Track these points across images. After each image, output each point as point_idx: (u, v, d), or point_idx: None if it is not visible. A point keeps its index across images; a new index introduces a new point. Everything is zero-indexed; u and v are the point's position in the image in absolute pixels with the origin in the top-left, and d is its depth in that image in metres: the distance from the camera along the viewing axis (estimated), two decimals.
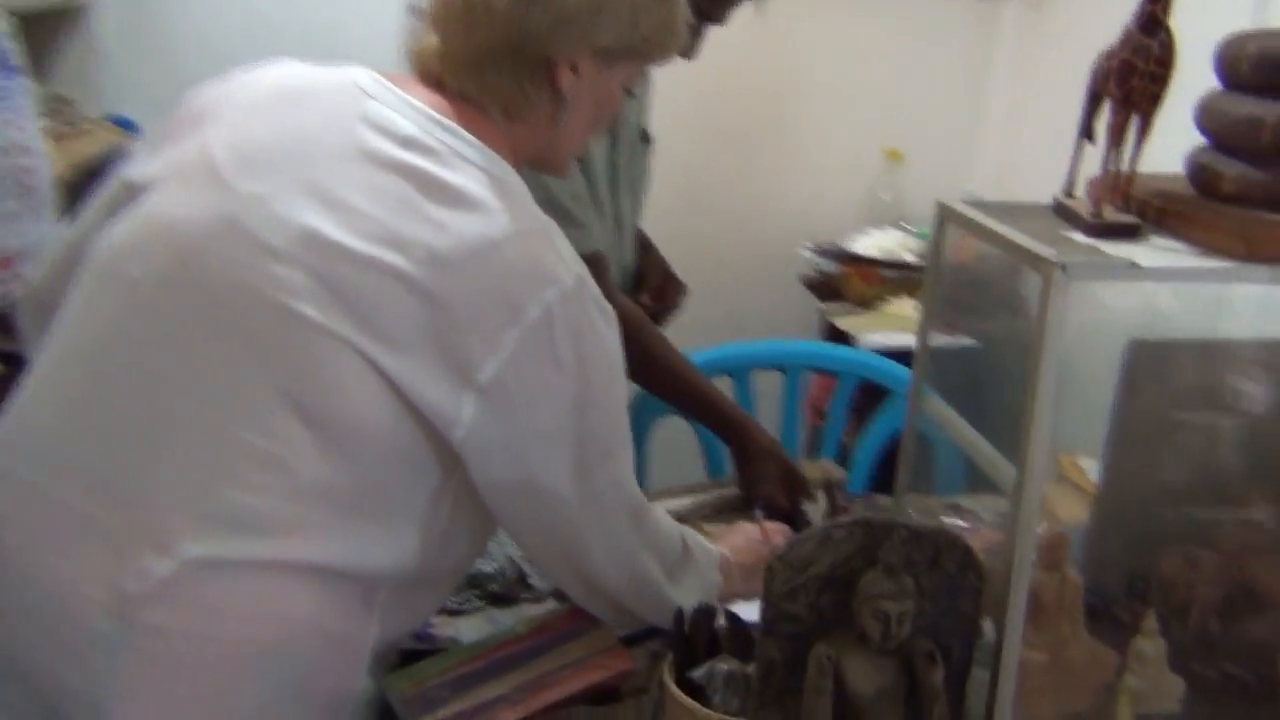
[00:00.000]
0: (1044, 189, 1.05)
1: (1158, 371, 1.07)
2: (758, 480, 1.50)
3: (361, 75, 0.99)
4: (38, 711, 0.90)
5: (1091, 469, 1.21)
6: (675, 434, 1.83)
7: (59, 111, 2.11)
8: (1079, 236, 0.94)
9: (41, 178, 1.58)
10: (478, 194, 0.92)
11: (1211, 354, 1.09)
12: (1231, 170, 0.92)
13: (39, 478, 0.92)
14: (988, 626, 0.92)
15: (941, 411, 1.12)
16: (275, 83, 1.01)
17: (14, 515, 0.93)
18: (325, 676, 0.94)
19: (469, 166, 0.94)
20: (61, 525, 0.90)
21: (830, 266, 2.50)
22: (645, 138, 1.74)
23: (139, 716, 0.87)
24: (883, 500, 1.57)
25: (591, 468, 1.00)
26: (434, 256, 0.89)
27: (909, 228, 2.61)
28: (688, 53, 1.44)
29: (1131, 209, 0.98)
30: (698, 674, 1.00)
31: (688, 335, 1.75)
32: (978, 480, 1.11)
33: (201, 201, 0.93)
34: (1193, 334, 1.09)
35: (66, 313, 0.98)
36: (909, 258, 2.48)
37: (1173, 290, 1.05)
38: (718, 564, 1.21)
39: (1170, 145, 0.97)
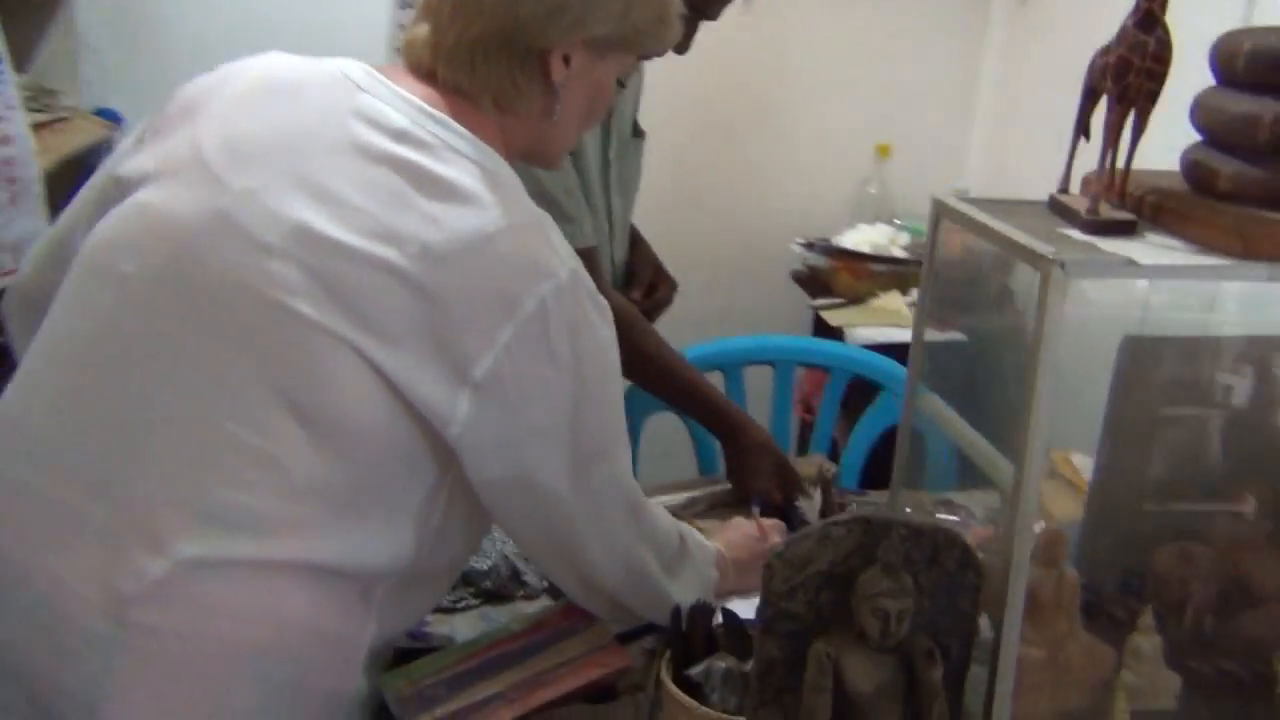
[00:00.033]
0: (1034, 184, 1.05)
1: (1151, 367, 1.07)
2: (752, 475, 1.49)
3: (352, 67, 0.98)
4: (32, 712, 0.90)
5: (1084, 465, 1.21)
6: (666, 430, 1.82)
7: (42, 102, 2.09)
8: (1075, 233, 0.94)
9: (28, 170, 1.57)
10: (470, 187, 0.91)
11: (1205, 350, 1.10)
12: (1227, 167, 0.92)
13: (31, 476, 0.91)
14: (984, 624, 0.92)
15: (936, 408, 1.12)
16: (266, 76, 1.00)
17: (6, 514, 0.92)
18: (321, 676, 0.93)
19: (461, 159, 0.93)
20: (55, 524, 0.90)
21: (820, 261, 2.50)
22: (637, 132, 1.73)
23: (134, 716, 0.87)
24: (875, 496, 1.57)
25: (588, 463, 0.99)
26: (427, 251, 0.88)
27: (899, 223, 2.61)
28: (680, 47, 1.44)
29: (1127, 206, 0.98)
30: (695, 671, 1.00)
31: (678, 331, 1.75)
32: (969, 475, 1.10)
33: (193, 196, 0.92)
34: (1186, 330, 1.10)
35: (57, 308, 0.97)
36: (899, 253, 2.48)
37: (1166, 286, 1.05)
38: (714, 560, 1.21)
39: (1165, 142, 0.97)
